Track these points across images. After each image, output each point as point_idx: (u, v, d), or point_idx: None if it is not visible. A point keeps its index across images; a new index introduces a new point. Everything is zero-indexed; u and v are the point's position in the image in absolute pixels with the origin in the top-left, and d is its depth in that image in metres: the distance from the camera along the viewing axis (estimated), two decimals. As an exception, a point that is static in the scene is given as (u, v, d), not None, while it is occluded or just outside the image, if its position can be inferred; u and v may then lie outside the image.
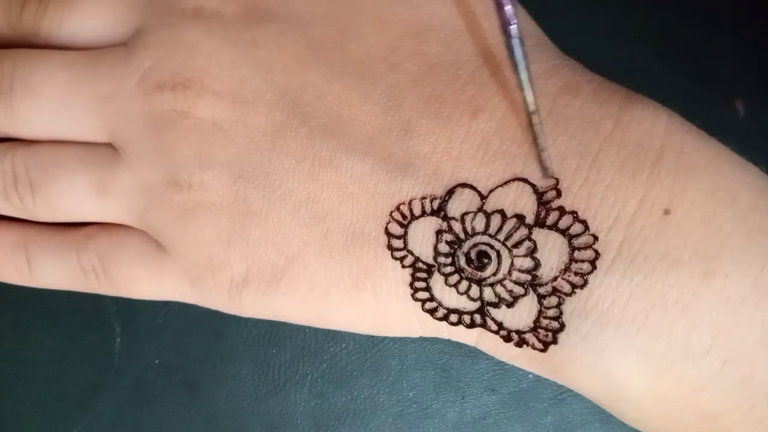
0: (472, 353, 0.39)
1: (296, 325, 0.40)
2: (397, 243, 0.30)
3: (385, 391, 0.40)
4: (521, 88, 0.27)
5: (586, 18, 0.40)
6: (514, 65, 0.26)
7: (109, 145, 0.34)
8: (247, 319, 0.38)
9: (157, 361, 0.40)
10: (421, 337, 0.33)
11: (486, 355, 0.32)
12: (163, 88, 0.32)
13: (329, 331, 0.39)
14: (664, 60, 0.39)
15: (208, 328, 0.40)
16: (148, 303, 0.39)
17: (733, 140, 0.30)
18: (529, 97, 0.27)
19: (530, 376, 0.39)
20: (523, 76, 0.27)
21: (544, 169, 0.29)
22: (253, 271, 0.33)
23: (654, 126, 0.29)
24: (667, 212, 0.27)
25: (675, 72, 0.39)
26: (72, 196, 0.34)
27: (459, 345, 0.38)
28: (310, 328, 0.40)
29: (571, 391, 0.31)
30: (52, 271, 0.36)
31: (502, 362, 0.33)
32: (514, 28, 0.26)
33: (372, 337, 0.40)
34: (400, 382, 0.40)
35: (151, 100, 0.32)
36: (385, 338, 0.40)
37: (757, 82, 0.39)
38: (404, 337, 0.39)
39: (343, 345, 0.40)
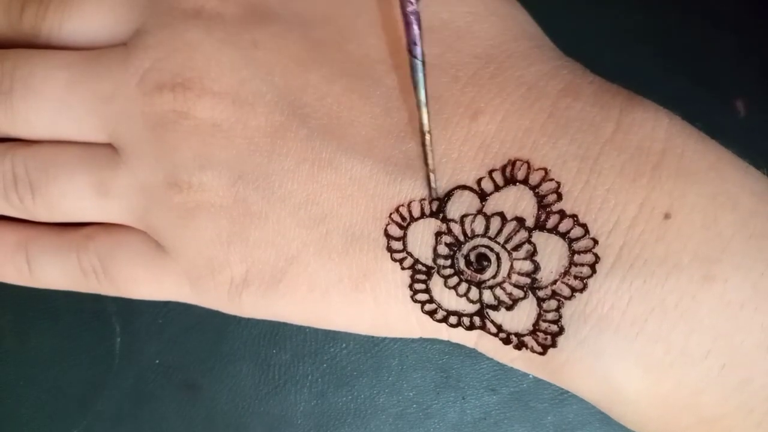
0: (473, 353, 0.39)
1: (296, 326, 0.40)
2: (397, 245, 0.30)
3: (385, 392, 0.40)
4: (418, 108, 0.28)
5: (586, 18, 0.40)
6: (414, 84, 0.28)
7: (109, 146, 0.34)
8: (248, 319, 0.38)
9: (157, 361, 0.40)
10: (421, 337, 0.33)
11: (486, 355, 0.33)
12: (162, 88, 0.32)
13: (329, 331, 0.39)
14: (664, 60, 0.39)
15: (208, 329, 0.40)
16: (149, 303, 0.39)
17: (734, 140, 0.29)
18: (424, 118, 0.28)
19: (530, 376, 0.39)
20: (420, 96, 0.28)
21: (430, 189, 0.29)
22: (252, 272, 0.33)
23: (655, 129, 0.29)
24: (667, 216, 0.27)
25: (675, 72, 0.39)
26: (72, 197, 0.34)
27: (459, 345, 0.38)
28: (310, 328, 0.40)
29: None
30: (52, 271, 0.36)
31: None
32: (417, 49, 0.27)
33: (372, 337, 0.40)
34: (400, 382, 0.40)
35: (151, 101, 0.32)
36: (385, 338, 0.40)
37: (757, 82, 0.39)
38: (404, 338, 0.39)
39: (344, 345, 0.40)
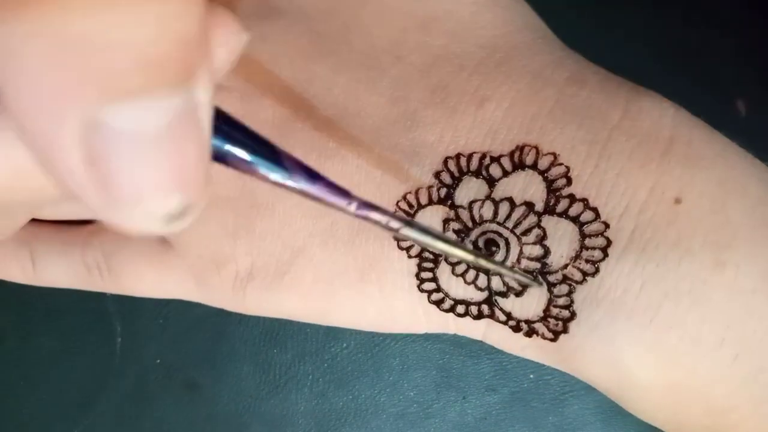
0: (473, 353, 0.39)
1: (297, 325, 0.40)
2: (404, 233, 0.30)
3: (386, 391, 0.40)
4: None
5: (587, 18, 0.40)
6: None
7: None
8: (249, 319, 0.38)
9: (157, 361, 0.40)
10: (422, 336, 0.33)
11: (487, 355, 0.32)
12: None
13: (330, 330, 0.39)
14: (665, 60, 0.39)
15: (209, 328, 0.40)
16: (149, 303, 0.39)
17: (734, 140, 0.30)
18: (465, 255, 0.26)
19: (531, 376, 0.39)
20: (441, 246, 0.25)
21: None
22: (258, 264, 0.33)
23: (662, 117, 0.29)
24: (677, 201, 0.27)
25: (676, 72, 0.39)
26: None
27: (460, 345, 0.38)
28: (311, 327, 0.40)
29: (573, 390, 0.31)
30: (56, 268, 0.36)
31: (504, 362, 0.32)
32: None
33: (373, 336, 0.40)
34: (401, 382, 0.40)
35: None
36: (386, 338, 0.40)
37: (757, 82, 0.39)
38: (406, 337, 0.39)
39: (344, 345, 0.40)
